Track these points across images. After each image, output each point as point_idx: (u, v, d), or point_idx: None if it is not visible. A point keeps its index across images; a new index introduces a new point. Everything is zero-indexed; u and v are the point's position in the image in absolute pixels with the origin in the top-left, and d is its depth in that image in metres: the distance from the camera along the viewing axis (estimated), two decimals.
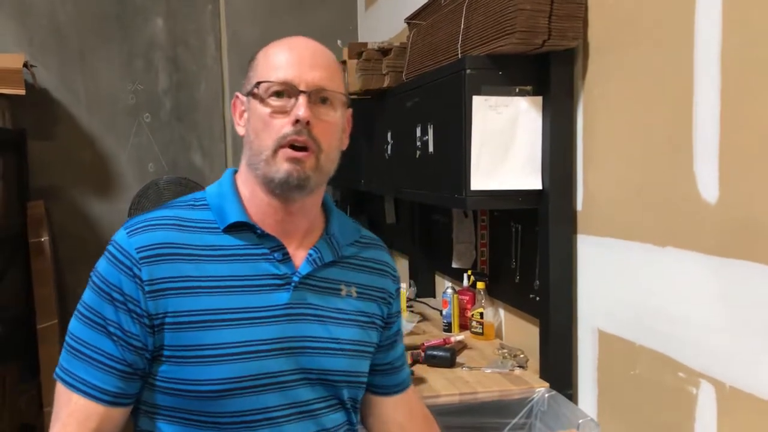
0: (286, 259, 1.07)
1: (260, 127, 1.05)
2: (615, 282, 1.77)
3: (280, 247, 1.07)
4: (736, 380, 1.38)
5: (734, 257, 1.37)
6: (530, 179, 1.92)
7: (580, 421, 1.73)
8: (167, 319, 1.00)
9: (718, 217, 1.41)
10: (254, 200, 1.09)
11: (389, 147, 2.62)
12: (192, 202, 1.10)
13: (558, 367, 1.95)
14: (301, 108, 1.02)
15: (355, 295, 1.14)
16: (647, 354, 1.64)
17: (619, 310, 1.75)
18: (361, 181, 3.07)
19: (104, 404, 1.00)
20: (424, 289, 3.21)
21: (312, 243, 1.12)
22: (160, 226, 1.04)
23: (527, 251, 2.23)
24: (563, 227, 1.92)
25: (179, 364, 1.00)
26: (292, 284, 1.07)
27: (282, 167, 1.03)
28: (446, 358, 2.15)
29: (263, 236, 1.07)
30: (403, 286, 2.99)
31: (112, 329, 1.00)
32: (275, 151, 1.03)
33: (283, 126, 1.03)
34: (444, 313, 2.66)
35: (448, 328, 2.63)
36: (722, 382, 1.41)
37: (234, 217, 1.06)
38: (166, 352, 1.01)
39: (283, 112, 1.04)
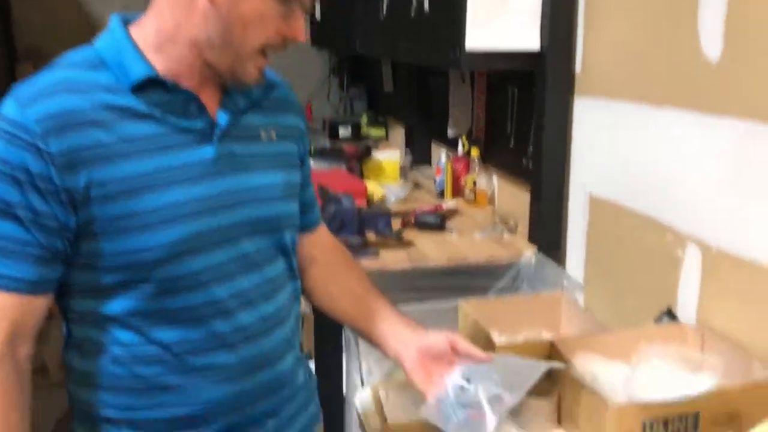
0: (202, 112, 1.01)
1: (254, 21, 0.95)
2: (610, 145, 1.72)
3: (195, 100, 1.00)
4: (723, 243, 1.36)
5: (732, 115, 1.32)
6: (528, 37, 1.83)
7: (565, 282, 1.75)
8: (92, 192, 0.92)
9: (719, 76, 1.34)
10: (170, 57, 0.98)
11: (384, 6, 2.50)
12: (85, 62, 0.98)
13: (547, 230, 1.93)
14: (302, 30, 1.00)
15: (274, 138, 1.11)
16: (637, 218, 1.62)
17: (612, 175, 1.72)
18: (356, 43, 2.95)
19: (23, 294, 0.93)
20: (421, 157, 3.18)
21: (221, 92, 1.05)
22: (56, 93, 0.92)
23: (523, 117, 2.17)
24: (560, 89, 1.84)
25: (117, 238, 0.94)
26: (215, 137, 1.01)
27: (252, 73, 1.01)
28: (436, 223, 2.15)
29: (174, 91, 0.99)
30: (398, 153, 2.96)
31: (20, 212, 0.91)
32: (253, 54, 0.98)
33: (275, 34, 0.98)
34: (437, 180, 2.64)
35: (441, 195, 2.62)
36: (709, 244, 1.40)
37: (140, 72, 0.96)
38: (98, 228, 0.94)
39: (279, 16, 0.97)
